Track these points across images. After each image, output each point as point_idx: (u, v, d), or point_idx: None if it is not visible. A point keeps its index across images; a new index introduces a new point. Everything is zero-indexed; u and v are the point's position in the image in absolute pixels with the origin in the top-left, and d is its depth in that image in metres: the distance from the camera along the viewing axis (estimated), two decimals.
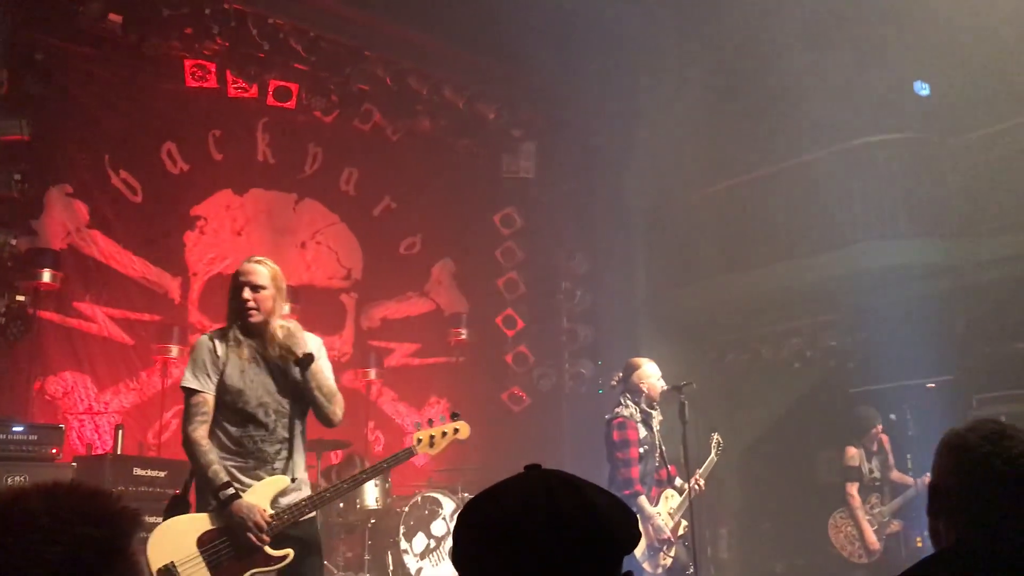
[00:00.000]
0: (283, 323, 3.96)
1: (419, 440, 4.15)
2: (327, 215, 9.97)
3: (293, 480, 3.85)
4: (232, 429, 3.82)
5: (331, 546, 7.57)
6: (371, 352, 9.73)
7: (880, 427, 8.19)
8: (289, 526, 3.72)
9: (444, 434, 4.21)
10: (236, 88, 9.02)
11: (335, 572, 7.28)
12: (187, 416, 3.81)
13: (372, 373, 9.57)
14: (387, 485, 7.69)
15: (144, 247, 8.69)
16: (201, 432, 3.76)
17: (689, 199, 10.83)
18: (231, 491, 3.62)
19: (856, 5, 9.30)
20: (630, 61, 10.38)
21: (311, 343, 4.00)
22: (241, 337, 3.89)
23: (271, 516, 3.68)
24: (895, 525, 8.00)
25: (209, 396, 3.81)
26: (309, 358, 3.83)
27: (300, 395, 3.92)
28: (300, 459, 3.95)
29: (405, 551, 7.43)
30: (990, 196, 8.85)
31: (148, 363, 8.47)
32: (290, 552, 3.71)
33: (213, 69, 8.81)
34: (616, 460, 5.80)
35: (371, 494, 7.53)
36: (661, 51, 10.56)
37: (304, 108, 9.42)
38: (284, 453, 3.86)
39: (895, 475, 8.19)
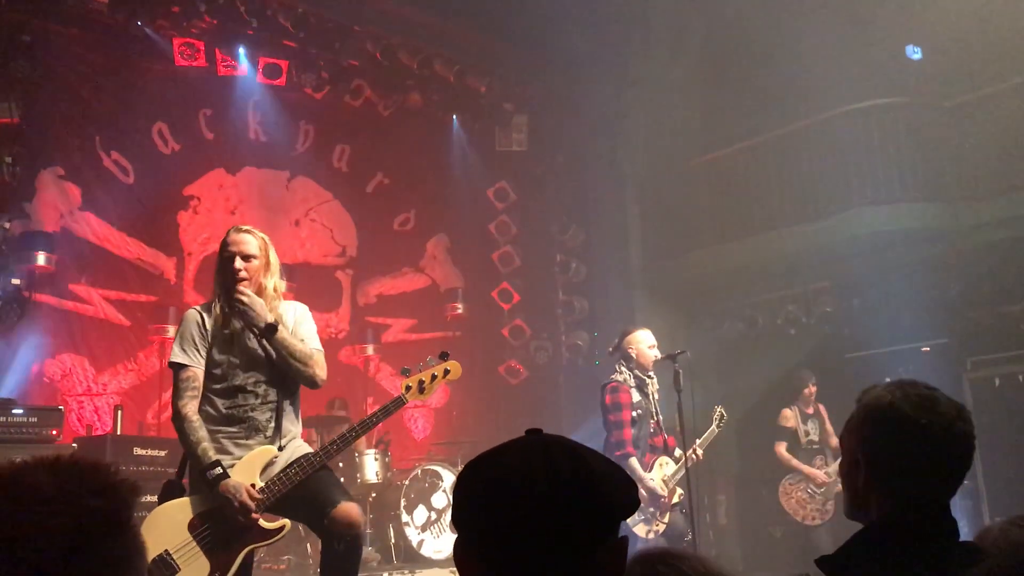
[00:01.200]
0: (283, 306, 3.89)
1: (408, 387, 3.95)
2: (320, 192, 9.97)
3: (281, 449, 3.76)
4: (221, 400, 3.74)
5: None
6: (368, 328, 9.77)
7: (812, 388, 8.31)
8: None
9: (434, 376, 3.99)
10: (225, 66, 8.98)
11: None
12: (177, 392, 3.72)
13: (370, 349, 9.61)
14: (387, 459, 7.74)
15: (138, 228, 8.69)
16: (191, 408, 3.67)
17: (683, 168, 10.80)
18: (219, 471, 3.53)
19: None
20: (622, 31, 10.34)
21: (292, 311, 3.94)
22: (228, 309, 3.77)
23: (261, 489, 3.59)
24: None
25: (198, 371, 3.73)
26: (271, 328, 3.70)
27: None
28: (292, 426, 3.85)
29: (406, 524, 7.50)
30: (982, 160, 8.84)
31: (145, 344, 8.50)
32: (286, 523, 3.67)
33: (202, 48, 8.76)
34: (609, 423, 5.87)
35: (371, 468, 7.59)
36: (653, 21, 10.52)
37: (294, 85, 9.38)
38: (274, 421, 3.77)
39: (835, 441, 8.33)
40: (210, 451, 3.58)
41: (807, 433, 8.37)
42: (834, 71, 9.29)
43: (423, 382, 3.97)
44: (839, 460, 2.22)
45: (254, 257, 3.79)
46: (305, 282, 9.26)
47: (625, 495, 1.25)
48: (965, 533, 2.03)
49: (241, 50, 8.90)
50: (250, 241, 3.81)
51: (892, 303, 8.86)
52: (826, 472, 8.18)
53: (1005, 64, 8.89)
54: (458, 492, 1.26)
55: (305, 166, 9.88)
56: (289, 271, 8.83)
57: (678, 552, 1.44)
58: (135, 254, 8.66)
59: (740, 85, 10.15)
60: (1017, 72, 8.82)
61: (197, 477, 3.64)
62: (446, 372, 4.04)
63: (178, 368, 3.75)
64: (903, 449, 1.97)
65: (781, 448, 8.29)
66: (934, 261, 8.98)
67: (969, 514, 7.88)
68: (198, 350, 3.75)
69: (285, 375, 3.81)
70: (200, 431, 3.62)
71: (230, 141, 9.37)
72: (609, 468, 1.25)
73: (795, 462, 8.20)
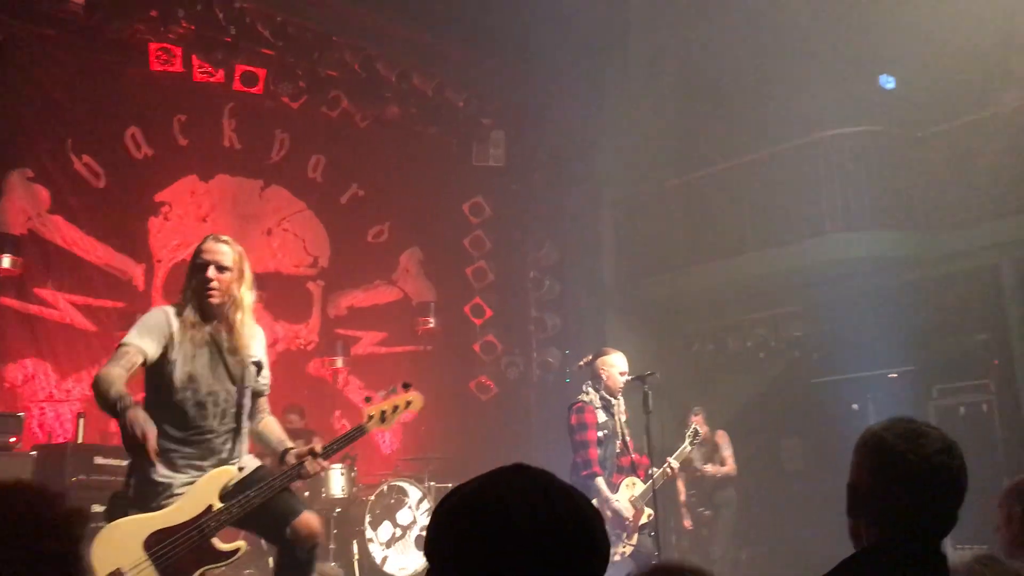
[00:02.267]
0: (250, 324, 3.83)
1: (370, 416, 3.91)
2: (294, 202, 9.90)
3: (240, 469, 3.70)
4: (179, 417, 3.64)
5: None
6: (338, 341, 9.69)
7: (696, 416, 8.42)
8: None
9: (396, 407, 3.98)
10: (202, 72, 8.91)
11: None
12: (109, 361, 3.58)
13: (339, 362, 9.54)
14: (353, 474, 7.67)
15: (107, 233, 8.57)
16: (112, 368, 3.51)
17: (658, 189, 10.86)
18: (127, 402, 3.38)
19: (824, 1, 9.37)
20: (601, 52, 10.39)
21: (258, 339, 3.90)
22: (196, 318, 3.70)
23: (220, 510, 3.52)
24: (708, 513, 8.65)
25: (139, 354, 3.59)
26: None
27: (247, 383, 3.79)
28: (245, 446, 3.81)
29: (371, 540, 7.43)
30: (952, 190, 8.96)
31: (111, 350, 8.31)
32: (241, 545, 3.59)
33: (179, 53, 8.69)
34: (575, 443, 5.86)
35: (337, 483, 7.52)
36: (631, 43, 10.58)
37: (271, 94, 9.32)
38: (230, 443, 3.71)
39: (725, 469, 8.44)
40: (122, 389, 3.43)
41: (691, 462, 8.50)
42: (809, 98, 9.40)
43: (385, 412, 3.95)
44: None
45: (228, 269, 3.73)
46: (275, 292, 9.17)
47: (608, 542, 1.24)
48: None
49: (218, 57, 8.82)
50: (226, 252, 3.75)
51: (861, 329, 8.94)
52: (703, 510, 8.46)
53: (976, 96, 9.04)
54: (449, 525, 1.20)
55: (279, 175, 9.81)
56: (260, 280, 8.67)
57: (696, 567, 1.44)
58: (104, 259, 8.54)
59: (716, 109, 10.24)
60: (986, 105, 8.97)
61: (147, 495, 3.55)
62: (408, 404, 4.03)
63: (122, 345, 3.61)
64: (881, 477, 2.00)
65: (680, 481, 8.46)
66: (903, 288, 9.08)
67: None
68: (152, 342, 3.62)
69: (243, 395, 3.76)
70: (114, 374, 3.48)
71: (204, 148, 9.28)
72: (597, 511, 1.24)
73: (682, 498, 8.44)
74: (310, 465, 3.68)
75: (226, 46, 8.77)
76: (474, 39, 9.80)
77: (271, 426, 3.96)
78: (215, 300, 3.72)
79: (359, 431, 3.91)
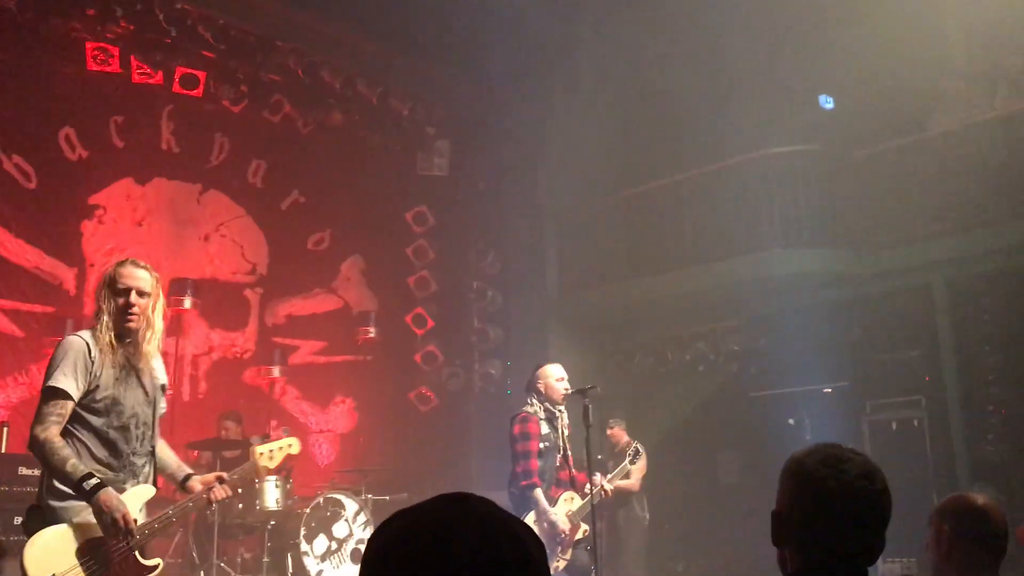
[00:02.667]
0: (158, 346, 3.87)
1: (261, 453, 4.17)
2: (232, 207, 9.73)
3: (159, 489, 3.81)
4: (103, 441, 3.63)
5: (229, 548, 7.39)
6: (275, 349, 9.53)
7: (612, 429, 8.38)
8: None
9: (281, 448, 4.26)
10: (140, 74, 8.72)
11: (232, 574, 7.10)
12: (40, 417, 3.53)
13: (276, 371, 9.37)
14: (288, 486, 7.52)
15: (38, 236, 8.35)
16: (54, 431, 3.49)
17: (601, 202, 10.92)
18: (95, 480, 3.43)
19: (766, 22, 9.53)
20: (547, 65, 10.43)
21: (161, 362, 3.94)
22: (115, 342, 3.70)
23: (141, 525, 3.58)
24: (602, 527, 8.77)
25: (71, 403, 3.56)
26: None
27: (160, 405, 3.87)
28: (156, 468, 3.90)
29: (305, 553, 7.29)
30: (888, 209, 9.16)
31: (39, 356, 8.09)
32: (160, 562, 3.65)
33: (116, 53, 8.51)
34: (516, 453, 5.82)
35: (271, 495, 7.37)
36: (577, 56, 10.65)
37: (211, 97, 9.16)
38: (149, 465, 3.79)
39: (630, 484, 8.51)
40: (80, 465, 3.46)
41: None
42: (749, 116, 9.54)
43: (273, 451, 4.20)
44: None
45: (147, 294, 3.76)
46: (212, 299, 9.01)
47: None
48: None
49: (158, 58, 8.64)
50: (146, 278, 3.78)
51: (797, 344, 9.08)
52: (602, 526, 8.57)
53: (910, 119, 9.26)
54: (388, 559, 1.11)
55: (218, 180, 9.64)
56: (195, 287, 8.59)
57: None
58: (33, 263, 8.30)
59: (659, 125, 10.34)
60: (920, 128, 9.20)
61: (57, 509, 3.50)
62: (289, 446, 4.30)
63: (53, 393, 3.54)
64: (803, 504, 1.98)
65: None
66: (838, 305, 9.25)
67: None
68: (78, 381, 3.58)
69: (156, 416, 3.84)
70: (65, 449, 3.48)
71: (141, 150, 9.09)
72: (540, 545, 1.20)
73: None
74: (218, 491, 3.83)
75: (166, 47, 8.61)
76: (420, 48, 9.76)
77: (166, 449, 4.04)
78: (134, 325, 3.73)
79: (252, 467, 4.15)
